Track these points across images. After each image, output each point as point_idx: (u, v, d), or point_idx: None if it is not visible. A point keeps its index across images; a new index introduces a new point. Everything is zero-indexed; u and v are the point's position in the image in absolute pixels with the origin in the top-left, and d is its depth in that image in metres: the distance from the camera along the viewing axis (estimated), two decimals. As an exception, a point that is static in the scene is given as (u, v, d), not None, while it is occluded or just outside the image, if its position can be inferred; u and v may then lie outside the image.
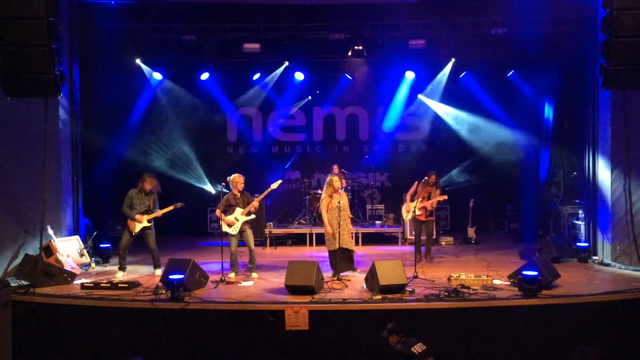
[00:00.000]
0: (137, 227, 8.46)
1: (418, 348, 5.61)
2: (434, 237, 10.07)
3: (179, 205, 8.59)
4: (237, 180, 8.49)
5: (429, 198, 9.39)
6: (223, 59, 11.78)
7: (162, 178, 11.83)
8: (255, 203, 8.42)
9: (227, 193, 8.59)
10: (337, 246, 8.13)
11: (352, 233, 8.55)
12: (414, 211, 9.27)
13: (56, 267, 8.09)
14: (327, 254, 8.38)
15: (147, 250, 8.87)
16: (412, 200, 9.54)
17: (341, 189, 8.42)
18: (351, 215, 8.72)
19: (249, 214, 8.43)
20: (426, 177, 9.45)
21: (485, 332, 6.59)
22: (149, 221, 8.51)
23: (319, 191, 12.19)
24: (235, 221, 8.40)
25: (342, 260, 8.22)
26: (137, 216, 8.44)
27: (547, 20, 10.16)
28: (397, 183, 13.12)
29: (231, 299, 6.99)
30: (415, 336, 5.78)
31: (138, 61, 11.65)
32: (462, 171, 12.70)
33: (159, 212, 8.55)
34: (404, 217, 10.06)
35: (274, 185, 8.62)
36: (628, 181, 8.50)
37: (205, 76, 12.34)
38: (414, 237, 9.82)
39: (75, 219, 9.67)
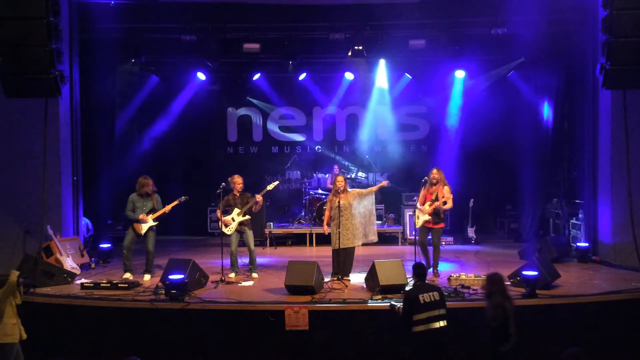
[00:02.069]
0: (144, 228, 8.35)
1: (427, 297, 5.64)
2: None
3: (183, 199, 8.47)
4: (235, 180, 8.50)
5: (436, 199, 8.34)
6: (223, 59, 11.77)
7: (161, 178, 11.92)
8: (259, 198, 8.38)
9: (228, 193, 8.59)
10: (336, 246, 8.10)
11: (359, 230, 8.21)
12: (420, 215, 8.44)
13: (56, 267, 8.09)
14: (327, 253, 8.37)
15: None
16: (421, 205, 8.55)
17: (349, 189, 8.40)
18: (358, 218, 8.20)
19: (245, 214, 8.43)
20: (426, 178, 8.51)
21: (485, 332, 6.58)
22: (155, 220, 8.42)
23: (319, 191, 12.22)
24: (231, 221, 8.41)
25: (339, 262, 8.16)
26: (141, 216, 8.32)
27: (547, 20, 10.15)
28: (397, 183, 13.11)
29: (231, 299, 6.99)
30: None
31: (138, 61, 11.64)
32: (462, 171, 12.67)
33: (166, 209, 8.42)
34: (416, 224, 8.65)
35: (270, 187, 8.60)
36: (628, 181, 8.49)
37: (204, 76, 12.33)
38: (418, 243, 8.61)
39: (75, 219, 9.68)
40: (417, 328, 5.57)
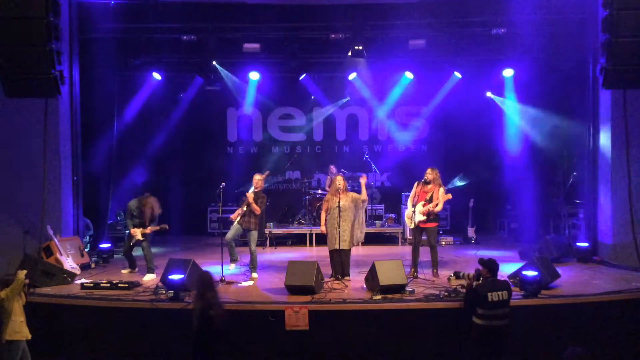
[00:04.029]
0: (134, 239, 8.54)
1: (495, 296, 5.71)
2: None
3: (164, 226, 8.66)
4: (254, 178, 8.63)
5: (430, 200, 8.30)
6: (223, 59, 11.76)
7: (161, 178, 11.94)
8: (249, 198, 8.45)
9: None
10: (334, 247, 8.09)
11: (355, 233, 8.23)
12: (414, 217, 8.23)
13: (56, 267, 8.09)
14: (327, 253, 8.36)
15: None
16: (414, 205, 8.35)
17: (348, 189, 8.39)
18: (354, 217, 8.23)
19: (246, 211, 8.46)
20: (426, 177, 8.40)
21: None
22: (142, 235, 8.52)
23: (319, 191, 12.22)
24: (237, 216, 8.54)
25: (338, 262, 8.16)
26: (132, 230, 8.52)
27: (547, 20, 10.17)
28: (397, 183, 13.13)
29: (231, 299, 6.99)
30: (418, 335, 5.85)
31: (138, 61, 11.63)
32: (462, 171, 12.68)
33: (148, 230, 8.55)
34: (408, 224, 8.60)
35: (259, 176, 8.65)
36: (628, 181, 8.49)
37: (204, 76, 12.30)
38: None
39: (75, 219, 9.67)
40: (477, 320, 5.73)
